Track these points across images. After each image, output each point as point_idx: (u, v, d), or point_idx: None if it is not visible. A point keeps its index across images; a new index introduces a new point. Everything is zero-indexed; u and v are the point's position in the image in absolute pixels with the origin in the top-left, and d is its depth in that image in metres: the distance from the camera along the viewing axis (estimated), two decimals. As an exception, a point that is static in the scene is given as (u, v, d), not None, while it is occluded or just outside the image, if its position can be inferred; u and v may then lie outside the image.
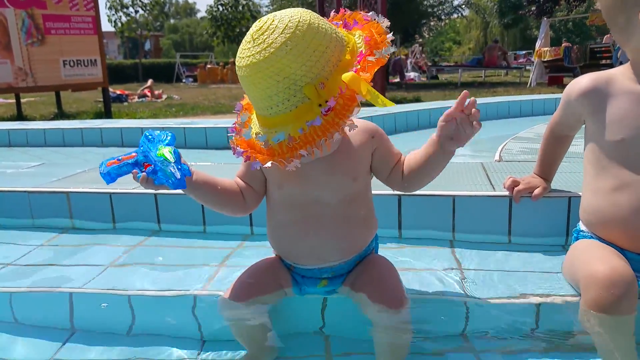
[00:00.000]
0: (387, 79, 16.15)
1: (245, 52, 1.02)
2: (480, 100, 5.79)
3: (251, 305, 1.21)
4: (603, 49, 12.40)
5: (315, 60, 0.99)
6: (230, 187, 1.24)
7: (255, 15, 29.91)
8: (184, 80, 22.84)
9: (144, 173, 1.10)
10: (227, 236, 1.78)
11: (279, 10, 1.06)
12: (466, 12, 24.10)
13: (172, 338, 1.34)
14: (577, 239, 1.29)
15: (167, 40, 52.64)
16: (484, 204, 1.59)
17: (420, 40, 21.67)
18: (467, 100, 1.08)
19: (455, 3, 20.25)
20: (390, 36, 1.05)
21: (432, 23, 21.32)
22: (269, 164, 1.03)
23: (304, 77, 0.99)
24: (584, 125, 1.30)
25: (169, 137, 1.12)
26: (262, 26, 1.01)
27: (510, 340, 1.23)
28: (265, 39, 0.99)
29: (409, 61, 17.96)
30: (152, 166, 1.09)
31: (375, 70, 0.99)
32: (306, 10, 1.05)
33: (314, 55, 0.99)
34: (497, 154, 2.44)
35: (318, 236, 1.21)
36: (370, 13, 1.12)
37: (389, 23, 1.10)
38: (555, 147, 1.44)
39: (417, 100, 9.67)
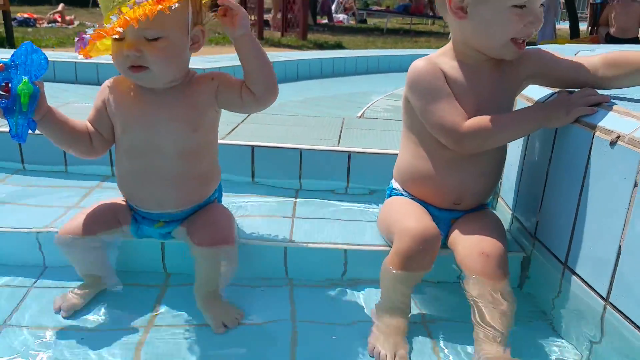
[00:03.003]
0: (315, 19, 15.92)
1: None
2: (392, 52, 5.95)
3: (89, 239, 1.30)
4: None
5: None
6: (79, 128, 1.29)
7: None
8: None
9: None
10: (86, 177, 1.84)
11: None
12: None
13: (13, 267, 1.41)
14: (390, 195, 1.45)
15: (87, -42, 48.31)
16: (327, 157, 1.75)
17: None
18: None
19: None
20: None
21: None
22: (90, 31, 1.13)
23: None
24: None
25: (42, 68, 1.13)
26: None
27: (323, 282, 1.40)
28: None
29: (336, 1, 17.72)
30: (8, 96, 1.10)
31: None
32: None
33: None
34: (362, 111, 2.60)
35: (157, 186, 1.31)
36: None
37: None
38: None
39: (339, 45, 9.69)
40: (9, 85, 1.11)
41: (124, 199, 1.40)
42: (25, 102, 1.12)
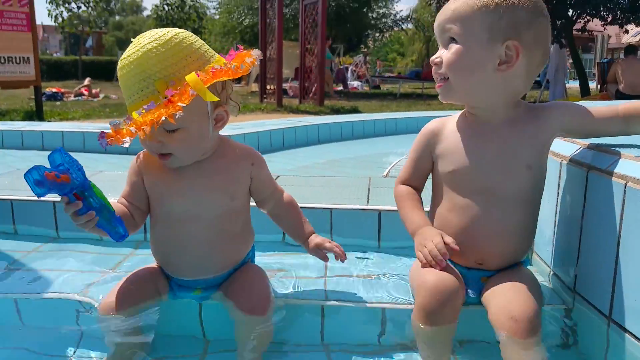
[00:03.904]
0: (330, 87, 16.38)
1: (125, 53, 1.20)
2: (408, 114, 6.09)
3: (130, 312, 1.29)
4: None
5: (173, 63, 1.16)
6: (121, 211, 1.31)
7: (201, 16, 29.59)
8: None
9: (92, 212, 1.13)
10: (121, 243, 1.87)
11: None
12: (409, 25, 24.83)
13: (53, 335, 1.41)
14: None
15: (111, 38, 51.03)
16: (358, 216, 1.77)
17: (365, 50, 22.14)
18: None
19: (398, 17, 20.89)
20: (251, 59, 1.23)
21: (377, 34, 21.86)
22: (106, 138, 1.17)
23: (157, 73, 1.15)
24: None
25: (78, 163, 1.11)
26: (143, 34, 1.20)
27: (361, 343, 1.38)
28: (141, 42, 1.18)
29: (350, 69, 18.33)
30: (87, 203, 1.11)
31: (223, 77, 1.16)
32: (187, 31, 1.24)
33: (173, 59, 1.16)
34: (387, 170, 2.64)
35: (195, 252, 1.33)
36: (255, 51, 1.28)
37: (260, 53, 1.28)
38: None
39: (355, 109, 9.96)
40: (79, 193, 1.10)
41: (159, 265, 1.42)
42: (109, 203, 1.15)
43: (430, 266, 1.25)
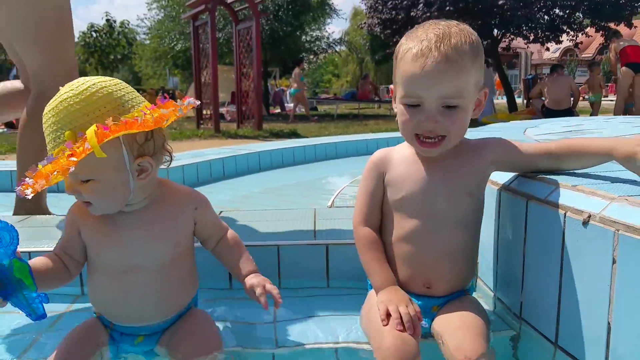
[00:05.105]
0: (268, 110, 16.44)
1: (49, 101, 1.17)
2: (347, 138, 6.16)
3: None
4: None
5: (85, 114, 1.12)
6: (54, 265, 1.25)
7: (131, 42, 28.98)
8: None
9: None
10: (56, 297, 1.74)
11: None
12: (342, 47, 25.40)
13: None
14: (371, 287, 1.44)
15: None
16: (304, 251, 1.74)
17: (302, 72, 22.37)
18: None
19: (331, 40, 21.36)
20: (172, 109, 1.19)
21: (311, 57, 22.22)
22: (19, 188, 1.13)
23: (68, 124, 1.12)
24: None
25: (15, 238, 1.06)
26: (69, 83, 1.17)
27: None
28: (61, 91, 1.16)
29: (287, 92, 18.46)
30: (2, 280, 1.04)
31: (131, 130, 1.12)
32: (112, 80, 1.20)
33: (85, 109, 1.12)
34: (331, 200, 2.65)
35: (137, 301, 1.27)
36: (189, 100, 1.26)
37: (195, 102, 1.27)
38: None
39: (294, 132, 10.00)
40: None
41: (98, 315, 1.33)
42: (30, 282, 1.07)
43: (401, 329, 1.20)
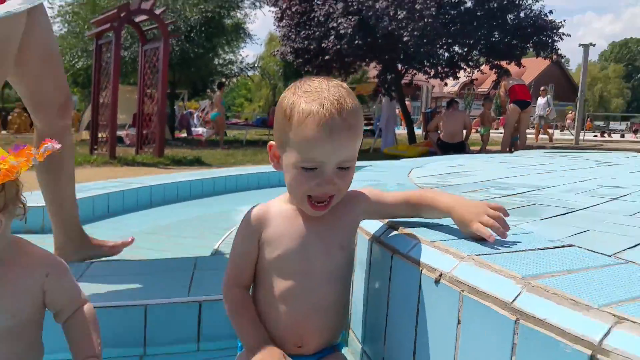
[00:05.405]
0: (173, 134, 15.97)
1: None
2: (250, 170, 6.07)
3: None
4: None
5: None
6: None
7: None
8: None
9: None
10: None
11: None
12: (256, 72, 25.41)
13: None
14: (241, 348, 1.38)
15: None
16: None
17: (212, 95, 22.10)
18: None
19: (244, 64, 21.34)
20: (23, 160, 1.08)
21: (223, 80, 22.01)
22: None
23: None
24: None
25: None
26: None
27: None
28: None
29: (195, 115, 18.12)
30: None
31: None
32: None
33: None
34: (215, 247, 2.56)
35: None
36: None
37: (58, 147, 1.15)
38: None
39: (198, 159, 9.69)
40: None
41: None
42: None
43: None
